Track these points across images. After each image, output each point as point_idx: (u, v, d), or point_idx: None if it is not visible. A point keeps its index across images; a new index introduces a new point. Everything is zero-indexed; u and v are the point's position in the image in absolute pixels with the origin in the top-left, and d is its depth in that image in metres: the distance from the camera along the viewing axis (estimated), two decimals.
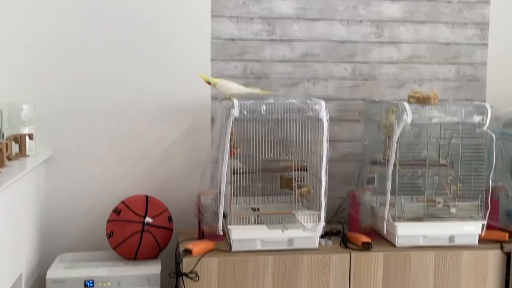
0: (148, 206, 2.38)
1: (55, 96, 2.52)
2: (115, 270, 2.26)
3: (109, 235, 2.35)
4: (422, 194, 2.37)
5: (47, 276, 2.20)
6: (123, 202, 2.40)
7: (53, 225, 2.54)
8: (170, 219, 2.43)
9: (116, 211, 2.38)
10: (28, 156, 2.35)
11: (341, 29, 2.71)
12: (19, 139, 2.29)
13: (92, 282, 2.20)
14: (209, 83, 2.40)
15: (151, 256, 2.38)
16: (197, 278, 2.16)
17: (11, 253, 2.00)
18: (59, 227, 2.55)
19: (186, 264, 2.16)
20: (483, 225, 2.35)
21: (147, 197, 2.43)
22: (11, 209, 2.00)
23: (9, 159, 2.16)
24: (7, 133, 2.34)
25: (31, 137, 2.37)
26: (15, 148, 2.27)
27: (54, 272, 2.23)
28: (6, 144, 2.13)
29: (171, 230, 2.43)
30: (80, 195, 2.56)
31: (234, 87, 2.40)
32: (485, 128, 2.32)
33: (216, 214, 2.29)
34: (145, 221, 2.33)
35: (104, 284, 2.21)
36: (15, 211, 2.05)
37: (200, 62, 2.61)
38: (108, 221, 2.39)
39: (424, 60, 2.79)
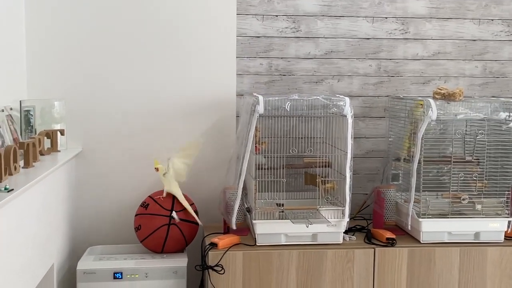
0: (175, 200, 2.43)
1: (85, 94, 2.59)
2: (143, 263, 2.31)
3: (137, 228, 2.41)
4: (447, 191, 2.37)
5: (78, 267, 2.27)
6: (150, 197, 2.45)
7: (83, 218, 2.62)
8: (196, 213, 2.47)
9: (144, 205, 2.43)
10: (59, 151, 2.42)
11: (366, 26, 2.72)
12: (51, 135, 2.36)
13: (121, 274, 2.26)
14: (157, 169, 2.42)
15: (178, 249, 2.43)
16: (223, 271, 2.20)
17: (44, 244, 2.06)
18: (89, 221, 2.62)
19: (212, 257, 2.20)
20: (509, 222, 2.33)
21: None
22: (44, 202, 2.06)
23: (41, 154, 2.24)
24: (39, 129, 2.42)
25: (62, 132, 2.44)
26: (47, 143, 2.35)
27: (85, 264, 2.30)
28: (39, 140, 2.20)
29: (197, 224, 2.47)
30: (109, 189, 2.63)
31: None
32: (511, 124, 2.31)
33: (241, 209, 2.33)
34: (172, 215, 2.38)
35: (133, 276, 2.26)
36: (47, 204, 2.12)
37: (226, 59, 2.65)
38: (136, 215, 2.44)
39: (450, 57, 2.78)
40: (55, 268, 2.23)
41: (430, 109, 2.26)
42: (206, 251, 2.23)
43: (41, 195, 2.02)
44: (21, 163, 2.00)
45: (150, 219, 2.38)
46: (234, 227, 2.32)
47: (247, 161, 2.25)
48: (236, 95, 2.66)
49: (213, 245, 2.24)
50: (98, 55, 2.58)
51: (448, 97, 2.35)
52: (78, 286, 2.25)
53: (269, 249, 2.25)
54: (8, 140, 2.12)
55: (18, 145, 1.96)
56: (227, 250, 2.22)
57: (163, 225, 2.37)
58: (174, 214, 2.38)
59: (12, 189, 1.65)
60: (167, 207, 2.40)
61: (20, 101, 2.38)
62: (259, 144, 2.32)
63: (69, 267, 2.47)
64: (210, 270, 2.19)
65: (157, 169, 2.42)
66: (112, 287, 2.25)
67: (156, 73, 2.62)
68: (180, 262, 2.32)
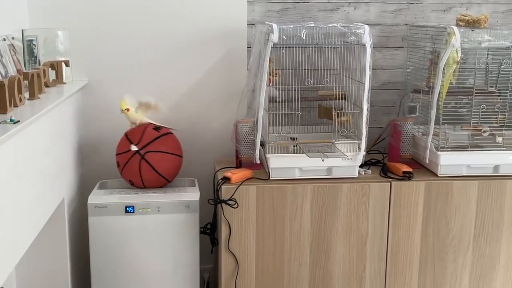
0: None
1: (90, 23, 2.47)
2: (154, 197, 2.27)
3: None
4: (467, 123, 2.29)
5: (89, 202, 2.24)
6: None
7: (91, 152, 2.56)
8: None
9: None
10: (65, 83, 2.34)
11: None
12: (56, 66, 2.27)
13: (133, 208, 2.23)
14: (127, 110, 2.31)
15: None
16: (236, 205, 2.16)
17: (53, 178, 2.02)
18: (97, 155, 2.57)
19: (225, 191, 2.16)
20: None
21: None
22: (51, 135, 2.00)
23: (46, 85, 2.15)
24: (43, 60, 2.32)
25: (67, 64, 2.34)
26: (52, 75, 2.25)
27: (96, 198, 2.26)
28: (44, 70, 2.11)
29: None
30: (116, 122, 2.54)
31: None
32: None
33: (254, 143, 2.26)
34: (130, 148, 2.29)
35: (144, 210, 2.23)
36: (55, 136, 2.06)
37: None
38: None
39: None
40: (65, 202, 2.20)
41: (454, 36, 2.14)
42: (219, 185, 2.18)
43: (48, 127, 1.95)
44: (26, 95, 1.92)
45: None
46: (257, 161, 2.25)
47: (264, 94, 2.16)
48: (247, 24, 2.54)
49: (226, 179, 2.19)
50: None
51: (472, 24, 2.22)
52: (90, 220, 2.23)
53: (282, 183, 2.20)
54: (12, 71, 2.03)
55: (22, 75, 1.87)
56: (240, 184, 2.17)
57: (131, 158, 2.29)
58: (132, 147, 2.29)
59: (18, 121, 1.58)
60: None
61: (22, 30, 2.27)
62: (272, 76, 2.23)
63: (79, 201, 2.45)
64: (223, 204, 2.16)
65: (127, 110, 2.31)
66: (123, 221, 2.23)
67: (164, 3, 2.49)
68: (192, 196, 2.28)
